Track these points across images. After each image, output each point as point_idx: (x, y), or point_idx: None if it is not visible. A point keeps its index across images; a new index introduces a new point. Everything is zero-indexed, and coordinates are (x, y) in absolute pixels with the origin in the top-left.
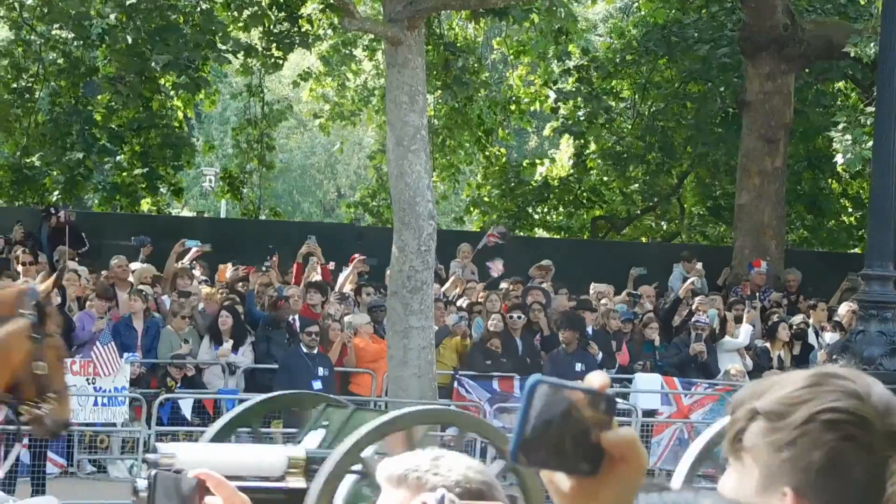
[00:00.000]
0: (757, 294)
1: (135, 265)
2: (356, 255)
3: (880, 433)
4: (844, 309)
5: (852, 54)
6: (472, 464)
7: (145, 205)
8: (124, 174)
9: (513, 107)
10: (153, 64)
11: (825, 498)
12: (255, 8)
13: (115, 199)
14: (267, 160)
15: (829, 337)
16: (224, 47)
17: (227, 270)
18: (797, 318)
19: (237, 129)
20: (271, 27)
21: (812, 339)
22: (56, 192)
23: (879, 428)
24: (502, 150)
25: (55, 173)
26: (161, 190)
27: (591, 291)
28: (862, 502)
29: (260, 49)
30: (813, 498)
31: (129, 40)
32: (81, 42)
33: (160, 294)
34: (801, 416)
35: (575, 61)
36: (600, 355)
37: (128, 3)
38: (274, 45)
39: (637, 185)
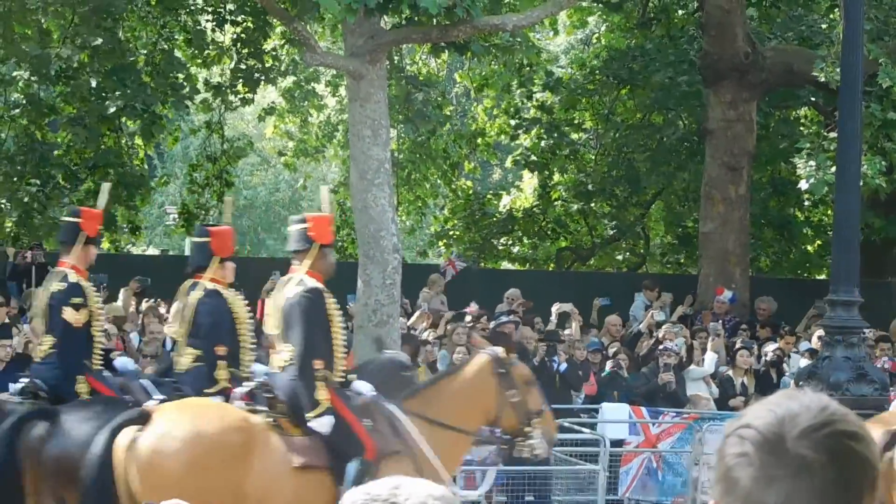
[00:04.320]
0: (721, 321)
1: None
2: None
3: (787, 454)
4: (815, 336)
5: (821, 78)
6: (433, 491)
7: (105, 244)
8: None
9: (479, 140)
10: (110, 108)
11: None
12: (215, 47)
13: None
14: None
15: (803, 363)
16: (183, 92)
17: None
18: (771, 346)
19: (193, 165)
20: (238, 64)
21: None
22: (8, 228)
23: (789, 449)
24: (468, 182)
25: (9, 207)
26: (121, 227)
27: (554, 310)
28: None
29: (226, 87)
30: None
31: (92, 83)
32: (38, 81)
33: (128, 332)
34: (730, 430)
35: (538, 90)
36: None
37: (92, 43)
38: (240, 81)
39: (603, 218)
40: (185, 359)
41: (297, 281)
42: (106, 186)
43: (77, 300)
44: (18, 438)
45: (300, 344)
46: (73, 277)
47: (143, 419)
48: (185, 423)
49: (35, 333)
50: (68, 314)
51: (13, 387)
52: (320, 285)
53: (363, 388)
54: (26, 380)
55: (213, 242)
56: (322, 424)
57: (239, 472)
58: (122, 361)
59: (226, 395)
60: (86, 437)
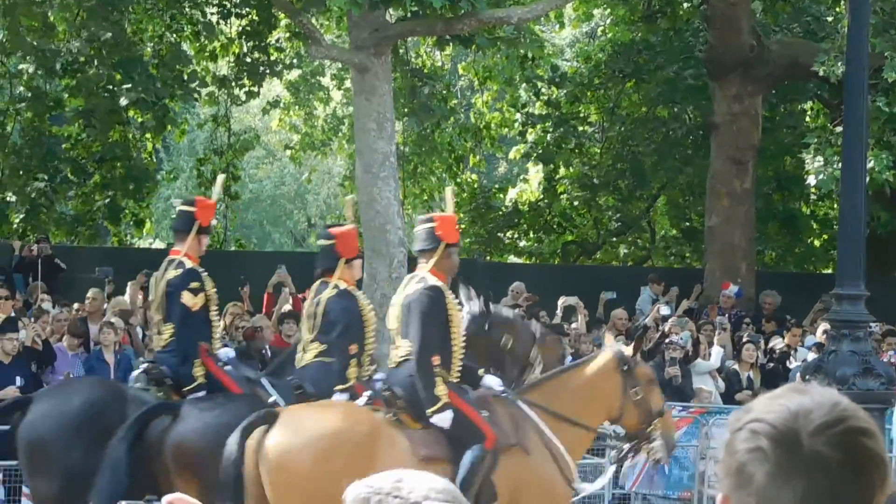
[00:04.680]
0: (727, 315)
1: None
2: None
3: (802, 450)
4: (821, 330)
5: (820, 73)
6: (435, 484)
7: (115, 240)
8: (85, 205)
9: (484, 133)
10: (122, 101)
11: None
12: (223, 38)
13: (77, 231)
14: (232, 191)
15: (810, 357)
16: (192, 85)
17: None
18: (778, 342)
19: (201, 159)
20: (242, 56)
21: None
22: (16, 223)
23: (804, 445)
24: (474, 176)
25: (17, 203)
26: (126, 221)
27: (559, 303)
28: None
29: (231, 80)
30: (734, 502)
31: (101, 77)
32: (45, 74)
33: (134, 326)
34: (740, 424)
35: (543, 86)
36: None
37: (101, 37)
38: (245, 74)
39: (608, 211)
40: (309, 354)
41: (419, 279)
42: (221, 178)
43: (195, 284)
44: (143, 430)
45: (418, 340)
46: (188, 264)
47: (271, 419)
48: (312, 421)
49: (153, 324)
50: (186, 298)
51: (134, 374)
52: (441, 284)
53: (492, 382)
54: (146, 364)
55: (338, 244)
56: (442, 419)
57: (365, 467)
58: (225, 352)
59: (353, 393)
60: (203, 430)
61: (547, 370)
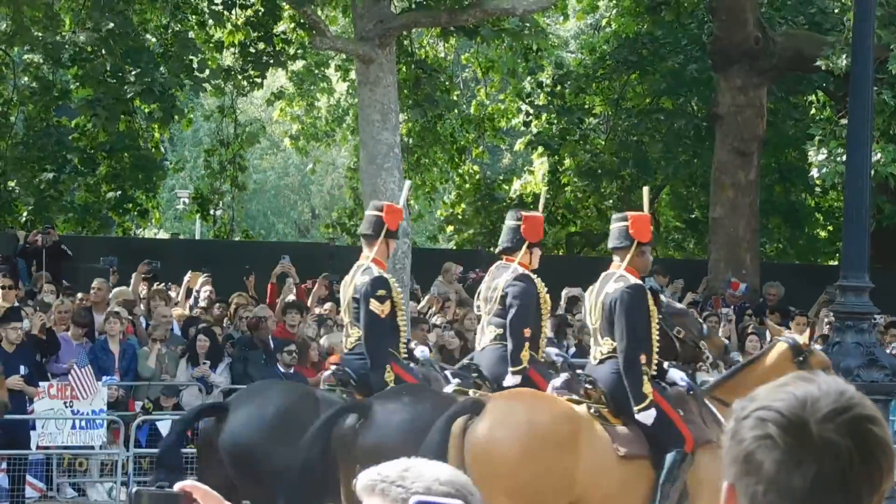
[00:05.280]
0: (732, 307)
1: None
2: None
3: (811, 438)
4: (825, 321)
5: (823, 67)
6: (440, 475)
7: (120, 230)
8: (92, 196)
9: (486, 124)
10: (129, 91)
11: (746, 491)
12: (230, 26)
13: (86, 222)
14: (239, 181)
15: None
16: (201, 75)
17: (199, 277)
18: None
19: (209, 150)
20: (248, 44)
21: None
22: (25, 214)
23: (813, 433)
24: (475, 167)
25: (25, 195)
26: (132, 211)
27: (564, 295)
28: (771, 501)
29: (237, 70)
30: (740, 490)
31: (107, 66)
32: (52, 65)
33: (138, 316)
34: (746, 412)
35: (546, 77)
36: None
37: (105, 28)
38: (250, 65)
39: (612, 200)
40: (487, 337)
41: (617, 277)
42: (407, 184)
43: (382, 292)
44: (333, 430)
45: (625, 339)
46: (375, 271)
47: (477, 408)
48: (518, 412)
49: (342, 325)
50: (374, 305)
51: (324, 374)
52: (640, 282)
53: (677, 376)
54: (334, 367)
55: (525, 227)
56: (647, 417)
57: (570, 460)
58: (421, 350)
59: (526, 376)
60: (395, 428)
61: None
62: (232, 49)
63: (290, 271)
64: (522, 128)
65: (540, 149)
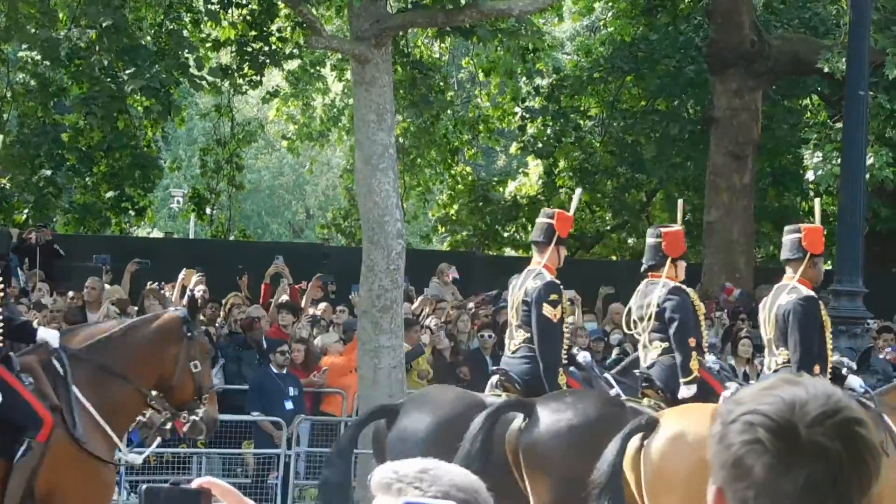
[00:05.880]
0: (726, 310)
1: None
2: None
3: (801, 441)
4: None
5: (825, 69)
6: (458, 480)
7: (117, 229)
8: (90, 195)
9: (480, 126)
10: (126, 88)
11: (736, 496)
12: (225, 24)
13: (86, 222)
14: (236, 181)
15: None
16: (199, 73)
17: (193, 276)
18: None
19: (205, 149)
20: (244, 43)
21: None
22: (25, 212)
23: (802, 436)
24: (468, 168)
25: (24, 194)
26: (128, 211)
27: None
28: None
29: (233, 69)
30: (729, 494)
31: (104, 63)
32: (49, 65)
33: (131, 315)
34: (733, 416)
35: (543, 80)
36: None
37: (103, 24)
38: (247, 64)
39: (606, 200)
40: (654, 352)
41: (790, 288)
42: (578, 192)
43: (554, 297)
44: (494, 428)
45: (799, 350)
46: (548, 276)
47: (650, 427)
48: (692, 427)
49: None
50: (546, 310)
51: (492, 379)
52: (813, 294)
53: (856, 383)
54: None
55: (665, 243)
56: None
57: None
58: (584, 355)
59: (700, 381)
60: (556, 431)
61: None
62: (229, 47)
63: (284, 271)
64: (517, 132)
65: (533, 153)
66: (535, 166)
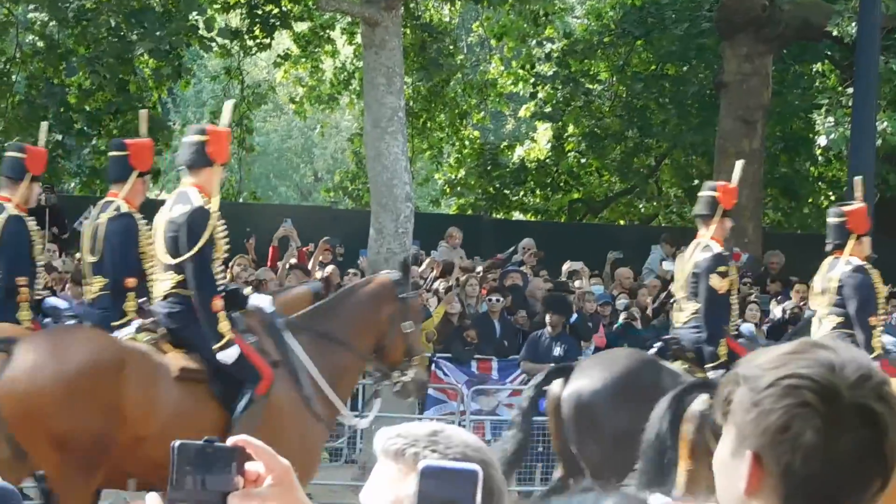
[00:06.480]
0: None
1: None
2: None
3: (845, 404)
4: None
5: (835, 33)
6: (470, 441)
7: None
8: (102, 158)
9: (489, 90)
10: (137, 51)
11: (779, 461)
12: None
13: (95, 184)
14: (247, 143)
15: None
16: (209, 35)
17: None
18: (790, 303)
19: (215, 111)
20: (254, 5)
21: None
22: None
23: (847, 399)
24: (476, 132)
25: None
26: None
27: (564, 269)
28: (811, 470)
29: (243, 31)
30: (769, 461)
31: (112, 23)
32: (57, 24)
33: None
34: (768, 380)
35: (554, 45)
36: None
37: None
38: (257, 26)
39: (615, 164)
40: (826, 325)
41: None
42: (740, 164)
43: (722, 268)
44: (679, 407)
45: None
46: (716, 248)
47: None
48: None
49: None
50: (714, 281)
51: (656, 345)
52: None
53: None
54: (668, 337)
55: (849, 221)
56: None
57: None
58: (747, 327)
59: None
60: None
61: None
62: (239, 9)
63: (292, 234)
64: (528, 98)
65: (542, 118)
66: (544, 130)
